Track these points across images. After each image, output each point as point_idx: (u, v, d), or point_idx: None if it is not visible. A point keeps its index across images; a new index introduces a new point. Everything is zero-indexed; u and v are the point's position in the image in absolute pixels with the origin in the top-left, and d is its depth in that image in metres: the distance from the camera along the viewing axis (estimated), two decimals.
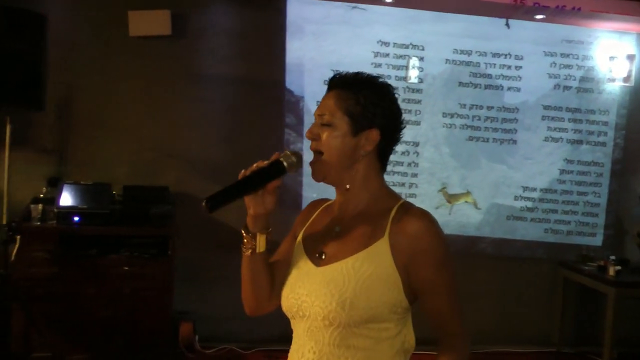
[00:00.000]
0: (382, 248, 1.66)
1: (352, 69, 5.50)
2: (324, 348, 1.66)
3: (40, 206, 4.71)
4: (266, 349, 5.06)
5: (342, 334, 1.64)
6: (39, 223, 4.65)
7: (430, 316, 1.71)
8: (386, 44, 5.34)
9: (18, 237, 4.43)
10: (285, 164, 1.65)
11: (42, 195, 4.85)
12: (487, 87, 5.44)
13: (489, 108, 5.44)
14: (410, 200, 5.46)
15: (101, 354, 4.51)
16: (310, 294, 1.67)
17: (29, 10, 4.41)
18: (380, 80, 1.77)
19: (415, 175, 5.38)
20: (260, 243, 1.72)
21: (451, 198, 5.40)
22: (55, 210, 4.64)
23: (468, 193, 5.44)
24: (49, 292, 4.48)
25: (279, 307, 1.78)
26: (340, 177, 1.74)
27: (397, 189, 5.27)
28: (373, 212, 1.73)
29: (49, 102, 4.58)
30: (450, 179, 5.42)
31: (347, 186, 1.75)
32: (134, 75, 5.12)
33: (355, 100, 1.71)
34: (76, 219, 4.62)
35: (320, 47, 5.26)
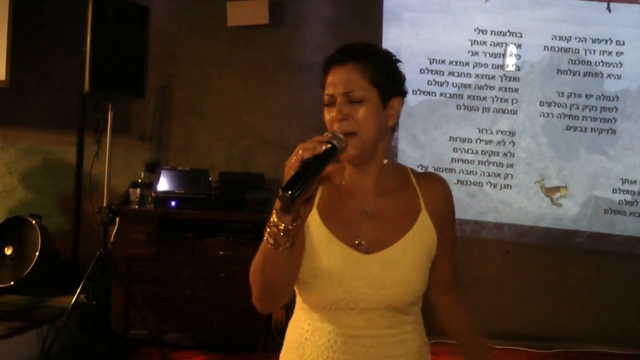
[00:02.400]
0: (425, 221, 1.66)
1: (450, 57, 5.44)
2: (383, 332, 1.63)
3: (138, 190, 4.88)
4: None
5: (398, 316, 1.64)
6: (137, 206, 4.83)
7: (441, 274, 1.73)
8: (483, 31, 5.21)
9: (117, 219, 4.59)
10: (337, 145, 1.51)
11: (140, 180, 5.02)
12: (586, 74, 5.24)
13: (588, 96, 5.24)
14: (506, 191, 5.34)
15: (196, 334, 4.64)
16: (372, 284, 1.59)
17: (132, 2, 4.58)
18: (382, 48, 1.70)
19: (511, 165, 5.24)
20: (297, 235, 1.50)
21: (548, 191, 5.25)
22: (153, 194, 4.81)
23: (565, 187, 5.27)
24: (147, 272, 4.65)
25: None
26: (371, 154, 1.63)
27: (492, 180, 5.18)
28: (396, 185, 1.69)
29: (149, 90, 4.74)
30: (547, 170, 5.26)
31: (385, 161, 1.67)
32: (232, 64, 5.23)
33: (377, 69, 1.60)
34: (173, 203, 4.76)
35: (417, 35, 5.20)
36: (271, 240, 1.47)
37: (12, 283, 4.72)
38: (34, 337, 4.17)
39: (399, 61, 1.67)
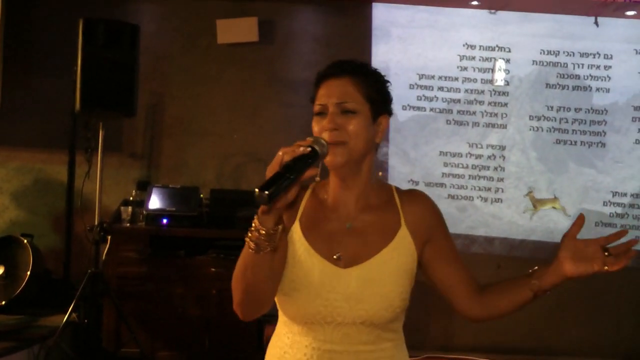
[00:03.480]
0: (404, 237, 1.68)
1: (439, 72, 5.48)
2: (360, 347, 1.63)
3: (129, 208, 4.89)
4: None
5: (378, 332, 1.64)
6: (128, 224, 4.84)
7: (456, 286, 1.73)
8: (472, 46, 5.26)
9: (109, 237, 4.59)
10: (318, 151, 1.52)
11: (131, 198, 5.03)
12: (574, 88, 5.28)
13: (577, 110, 5.28)
14: (497, 205, 5.34)
15: (188, 352, 4.63)
16: (349, 298, 1.61)
17: (123, 21, 4.62)
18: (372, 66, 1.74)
19: (501, 179, 5.26)
20: (277, 239, 1.53)
21: (537, 203, 5.27)
22: (145, 212, 4.82)
23: (556, 199, 5.29)
24: (138, 290, 4.64)
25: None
26: (357, 167, 1.67)
27: (482, 194, 5.20)
28: (378, 202, 1.71)
29: (140, 108, 4.75)
30: (537, 184, 5.28)
31: (387, 183, 1.75)
32: (222, 82, 5.27)
33: (371, 86, 1.66)
34: (164, 221, 4.77)
35: (406, 51, 5.25)
36: (252, 245, 1.51)
37: (3, 303, 4.70)
38: (26, 356, 4.15)
39: (388, 82, 1.73)
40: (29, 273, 4.73)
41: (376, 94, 1.67)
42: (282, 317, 1.71)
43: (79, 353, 4.41)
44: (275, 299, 1.68)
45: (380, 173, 1.72)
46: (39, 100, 5.26)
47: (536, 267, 1.74)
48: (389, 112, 1.72)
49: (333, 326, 1.62)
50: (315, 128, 1.64)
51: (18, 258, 4.82)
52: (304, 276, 1.63)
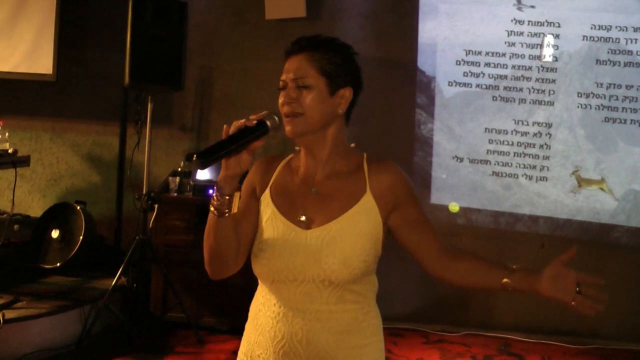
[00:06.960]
0: (368, 203, 1.75)
1: (486, 48, 5.37)
2: (321, 307, 1.71)
3: (177, 179, 5.02)
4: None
5: (339, 292, 1.72)
6: (175, 194, 4.96)
7: (425, 249, 1.77)
8: (520, 22, 5.15)
9: (156, 206, 4.75)
10: (269, 124, 1.66)
11: (179, 169, 5.16)
12: (626, 64, 5.10)
13: (628, 87, 5.11)
14: (542, 184, 5.23)
15: (231, 319, 4.75)
16: (308, 257, 1.70)
17: None
18: (341, 41, 1.80)
19: (547, 158, 5.17)
20: (235, 204, 1.68)
21: (583, 182, 5.16)
22: (192, 183, 4.95)
23: (602, 180, 5.17)
24: (185, 258, 4.78)
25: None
26: (317, 138, 1.76)
27: (528, 172, 5.14)
28: (345, 170, 1.80)
29: (189, 83, 4.89)
30: (584, 163, 5.17)
31: (353, 144, 1.82)
32: (270, 57, 5.29)
33: (328, 60, 1.74)
34: (211, 191, 4.87)
35: (454, 27, 5.18)
36: (214, 210, 1.67)
37: (58, 265, 4.95)
38: (77, 315, 4.38)
39: (355, 54, 1.81)
40: (81, 238, 4.96)
41: (334, 67, 1.75)
42: (258, 278, 1.82)
43: (127, 315, 4.61)
44: (251, 261, 1.80)
45: (353, 144, 1.81)
46: (93, 75, 5.47)
47: (515, 266, 1.73)
48: (352, 84, 1.79)
49: (295, 284, 1.71)
50: (279, 101, 1.78)
51: (72, 224, 5.06)
52: (270, 237, 1.75)
